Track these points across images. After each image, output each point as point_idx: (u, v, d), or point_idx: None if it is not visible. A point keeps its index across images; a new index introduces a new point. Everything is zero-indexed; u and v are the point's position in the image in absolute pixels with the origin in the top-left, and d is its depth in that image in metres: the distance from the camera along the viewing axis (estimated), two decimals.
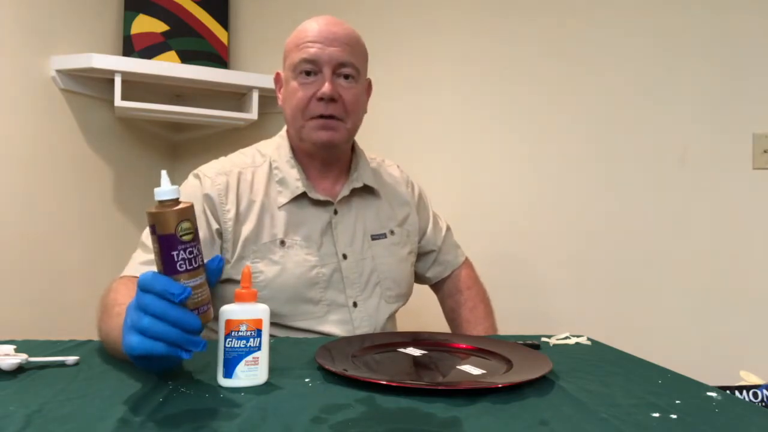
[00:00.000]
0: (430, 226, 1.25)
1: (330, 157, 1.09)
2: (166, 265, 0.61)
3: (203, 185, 1.03)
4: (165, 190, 0.62)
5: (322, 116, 1.02)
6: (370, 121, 1.19)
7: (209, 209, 1.01)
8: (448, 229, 1.30)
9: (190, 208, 0.62)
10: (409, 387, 0.64)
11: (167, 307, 0.60)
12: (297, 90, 1.03)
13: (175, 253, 0.60)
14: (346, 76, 1.04)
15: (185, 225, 0.61)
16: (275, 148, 1.11)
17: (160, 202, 0.62)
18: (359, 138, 1.16)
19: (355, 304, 1.06)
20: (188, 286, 0.60)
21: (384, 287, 1.10)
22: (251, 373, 0.66)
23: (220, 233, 1.02)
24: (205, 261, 0.64)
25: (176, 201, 0.62)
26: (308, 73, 1.02)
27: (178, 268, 0.61)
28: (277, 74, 1.12)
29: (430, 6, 1.90)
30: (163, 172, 0.63)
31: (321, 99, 1.01)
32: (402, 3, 1.93)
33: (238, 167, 1.07)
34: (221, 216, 1.02)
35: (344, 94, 1.03)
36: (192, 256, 0.61)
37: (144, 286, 0.61)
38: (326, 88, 1.00)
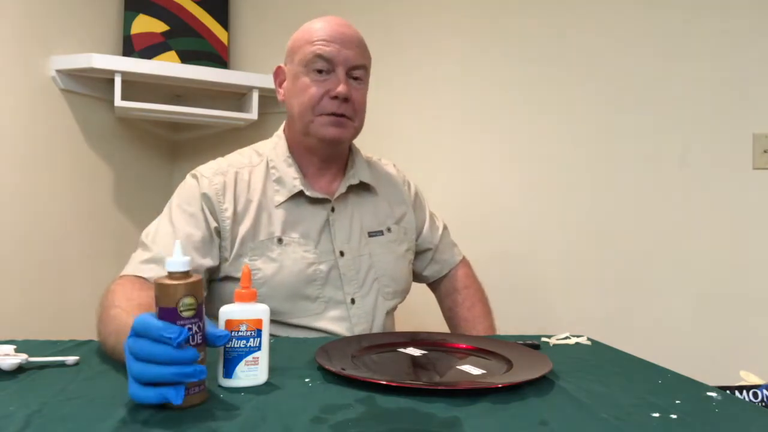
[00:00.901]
0: (427, 224, 1.25)
1: (331, 154, 1.10)
2: None
3: (201, 185, 1.03)
4: (174, 261, 0.60)
5: (334, 114, 1.03)
6: (372, 121, 1.19)
7: (207, 208, 1.02)
8: (445, 228, 1.30)
9: (197, 284, 0.60)
10: (409, 387, 0.64)
11: (157, 349, 0.57)
12: (309, 86, 1.04)
13: None
14: (357, 78, 1.06)
15: (188, 300, 0.59)
16: (272, 147, 1.12)
17: (169, 273, 0.60)
18: (359, 137, 1.16)
19: (353, 301, 1.07)
20: None
21: (382, 284, 1.11)
22: (251, 373, 0.66)
23: (218, 231, 1.02)
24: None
25: (186, 274, 0.60)
26: (320, 71, 1.03)
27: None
28: (279, 68, 1.12)
29: (431, 8, 1.91)
30: (177, 242, 0.62)
31: (335, 97, 1.03)
32: (402, 4, 1.93)
33: (235, 167, 1.07)
34: (219, 215, 1.02)
35: (355, 95, 1.05)
36: (191, 333, 0.59)
37: (138, 331, 0.58)
38: (342, 88, 1.02)
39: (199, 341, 0.60)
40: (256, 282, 1.00)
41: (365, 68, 1.08)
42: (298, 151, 1.10)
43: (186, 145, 2.17)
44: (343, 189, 1.10)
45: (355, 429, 0.54)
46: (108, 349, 0.78)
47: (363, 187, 1.14)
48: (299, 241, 1.05)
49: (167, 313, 0.59)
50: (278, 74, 1.12)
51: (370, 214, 1.14)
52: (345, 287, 1.06)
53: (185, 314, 0.59)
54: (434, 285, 1.31)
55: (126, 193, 1.92)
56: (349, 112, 1.05)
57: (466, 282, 1.27)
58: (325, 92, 1.03)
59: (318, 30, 1.05)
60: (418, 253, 1.25)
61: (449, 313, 1.26)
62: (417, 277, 1.28)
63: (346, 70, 1.04)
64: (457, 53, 1.88)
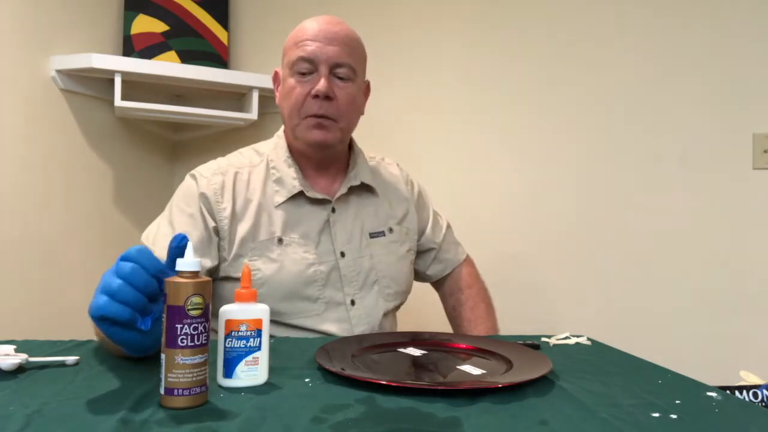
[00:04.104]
0: (430, 223, 1.25)
1: (324, 157, 1.09)
2: (168, 337, 0.59)
3: (199, 185, 1.04)
4: (185, 261, 0.61)
5: (316, 115, 1.02)
6: (374, 121, 1.19)
7: (206, 208, 1.02)
8: (449, 227, 1.30)
9: (206, 284, 0.61)
10: (409, 387, 0.64)
11: (140, 274, 0.62)
12: (294, 87, 1.03)
13: (179, 326, 0.58)
14: (342, 77, 1.04)
15: (196, 299, 0.59)
16: (273, 147, 1.12)
17: (179, 272, 0.61)
18: (361, 138, 1.16)
19: (353, 302, 1.07)
20: (187, 364, 0.59)
21: (382, 285, 1.10)
22: (251, 373, 0.66)
23: (217, 231, 1.02)
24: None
25: (195, 274, 0.61)
26: (304, 71, 1.02)
27: (179, 342, 0.58)
28: (276, 72, 1.12)
29: (432, 10, 1.91)
30: (189, 244, 0.63)
31: (316, 96, 1.01)
32: (404, 6, 1.93)
33: (235, 167, 1.08)
34: (217, 214, 1.02)
35: (339, 94, 1.03)
36: (197, 332, 0.59)
37: (132, 256, 0.62)
38: (321, 85, 1.00)
39: (204, 341, 0.61)
40: (256, 282, 1.00)
41: (350, 67, 1.03)
42: (295, 152, 1.10)
43: (186, 145, 2.17)
44: (343, 190, 1.10)
45: (355, 429, 0.54)
46: (106, 346, 0.78)
47: (364, 188, 1.14)
48: (299, 241, 1.04)
49: (173, 311, 0.59)
50: (276, 78, 1.12)
51: (372, 215, 1.14)
52: (345, 288, 1.06)
53: (192, 313, 0.59)
54: (438, 284, 1.30)
55: (126, 193, 1.92)
56: (332, 113, 1.02)
57: (470, 281, 1.26)
58: (307, 92, 1.02)
59: (305, 30, 1.03)
60: (421, 253, 1.25)
61: (453, 313, 1.26)
62: (420, 276, 1.28)
63: (330, 69, 1.02)
64: (458, 54, 1.88)
